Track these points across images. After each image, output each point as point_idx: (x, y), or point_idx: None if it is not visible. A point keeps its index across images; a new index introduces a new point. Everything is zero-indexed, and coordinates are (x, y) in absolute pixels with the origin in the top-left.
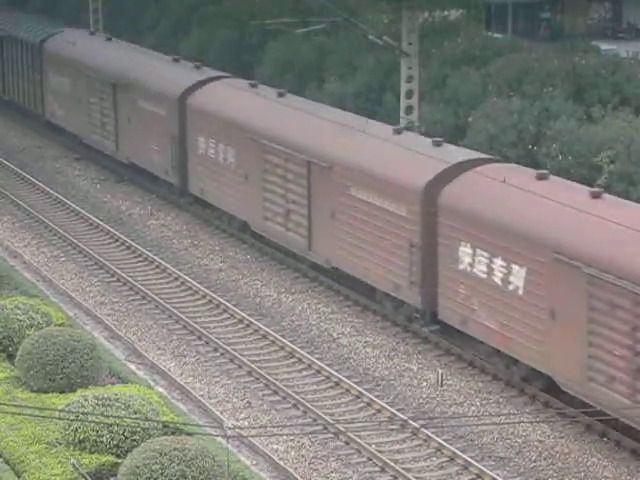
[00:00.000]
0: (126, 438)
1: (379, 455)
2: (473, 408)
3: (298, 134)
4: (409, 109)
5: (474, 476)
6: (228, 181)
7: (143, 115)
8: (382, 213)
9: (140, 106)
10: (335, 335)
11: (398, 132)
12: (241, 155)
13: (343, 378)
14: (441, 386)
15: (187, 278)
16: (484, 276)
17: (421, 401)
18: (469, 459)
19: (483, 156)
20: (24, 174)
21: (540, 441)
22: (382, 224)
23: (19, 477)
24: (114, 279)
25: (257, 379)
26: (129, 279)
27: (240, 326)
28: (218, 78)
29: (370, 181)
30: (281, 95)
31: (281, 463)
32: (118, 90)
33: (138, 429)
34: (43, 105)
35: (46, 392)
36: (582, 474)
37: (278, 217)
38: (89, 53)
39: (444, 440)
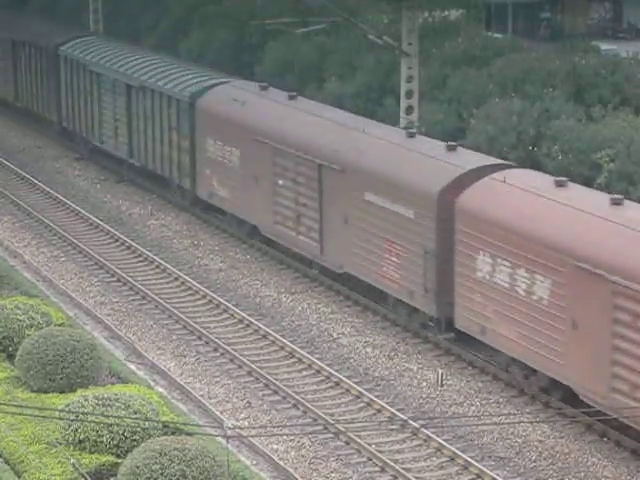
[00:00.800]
0: (126, 438)
1: (379, 455)
2: (473, 408)
3: None
4: (409, 109)
5: (474, 476)
6: (539, 324)
7: (373, 213)
8: None
9: (368, 201)
10: (335, 335)
11: None
12: (564, 291)
13: (343, 378)
14: (441, 386)
15: (187, 278)
16: None
17: (421, 401)
18: (469, 459)
19: None
20: (24, 174)
21: (540, 441)
22: None
23: (19, 477)
24: (114, 279)
25: (257, 379)
26: (129, 279)
27: (240, 326)
28: (498, 167)
29: None
30: (617, 204)
31: (281, 463)
32: (327, 175)
33: (138, 429)
34: (194, 180)
35: (46, 392)
36: (582, 474)
37: (627, 388)
38: (270, 118)
39: (444, 440)
